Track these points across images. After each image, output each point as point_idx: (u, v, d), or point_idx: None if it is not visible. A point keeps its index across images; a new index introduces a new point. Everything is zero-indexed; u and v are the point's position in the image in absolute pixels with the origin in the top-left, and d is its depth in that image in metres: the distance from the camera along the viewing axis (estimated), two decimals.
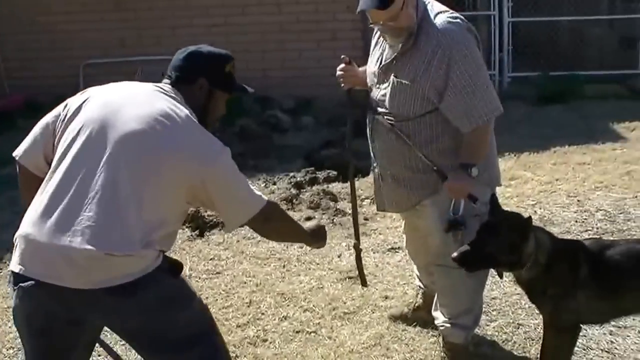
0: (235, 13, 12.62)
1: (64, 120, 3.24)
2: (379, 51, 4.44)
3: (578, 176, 8.19)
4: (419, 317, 5.15)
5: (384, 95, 4.33)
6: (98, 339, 3.52)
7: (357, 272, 5.50)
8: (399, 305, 5.39)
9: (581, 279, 4.02)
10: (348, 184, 8.36)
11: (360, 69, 4.71)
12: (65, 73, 12.43)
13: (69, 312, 3.08)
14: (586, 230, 6.66)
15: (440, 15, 4.11)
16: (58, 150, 3.19)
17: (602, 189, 7.72)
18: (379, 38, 4.48)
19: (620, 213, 7.02)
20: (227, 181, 3.22)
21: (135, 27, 12.62)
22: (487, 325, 5.13)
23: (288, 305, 5.59)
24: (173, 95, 3.31)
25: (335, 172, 8.87)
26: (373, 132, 4.53)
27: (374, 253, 6.53)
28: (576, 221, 6.90)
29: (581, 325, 4.26)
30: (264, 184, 8.59)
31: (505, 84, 13.44)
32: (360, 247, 5.03)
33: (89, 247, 2.94)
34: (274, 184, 8.61)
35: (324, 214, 7.61)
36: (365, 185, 8.47)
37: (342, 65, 4.65)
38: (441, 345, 4.74)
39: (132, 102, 3.22)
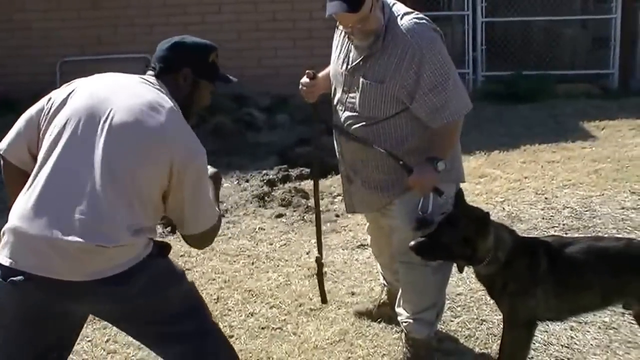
0: (211, 11, 12.64)
1: (48, 113, 3.26)
2: (344, 52, 4.44)
3: (547, 174, 8.28)
4: (383, 313, 5.21)
5: (353, 97, 4.35)
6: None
7: (324, 269, 5.61)
8: (364, 302, 5.45)
9: (540, 276, 4.10)
10: (320, 182, 8.47)
11: (321, 74, 4.75)
12: (42, 71, 12.38)
13: (59, 303, 3.13)
14: (552, 227, 6.75)
15: (406, 17, 4.16)
16: (44, 143, 3.20)
17: (569, 186, 7.81)
18: (343, 39, 4.48)
19: (587, 210, 7.11)
20: (200, 185, 3.29)
21: (111, 25, 12.60)
22: (451, 321, 5.20)
23: (255, 302, 5.64)
24: (158, 87, 3.35)
25: (308, 170, 8.88)
26: (340, 137, 4.58)
27: (343, 250, 6.60)
28: (543, 218, 6.99)
29: (540, 321, 4.35)
30: (237, 182, 8.62)
31: (478, 82, 13.51)
32: (323, 261, 5.14)
33: (80, 239, 2.98)
34: (247, 181, 8.63)
35: (294, 211, 7.67)
36: (338, 182, 8.48)
37: (306, 80, 4.68)
38: (404, 340, 4.77)
39: (119, 94, 3.24)
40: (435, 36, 4.14)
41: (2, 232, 3.15)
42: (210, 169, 3.59)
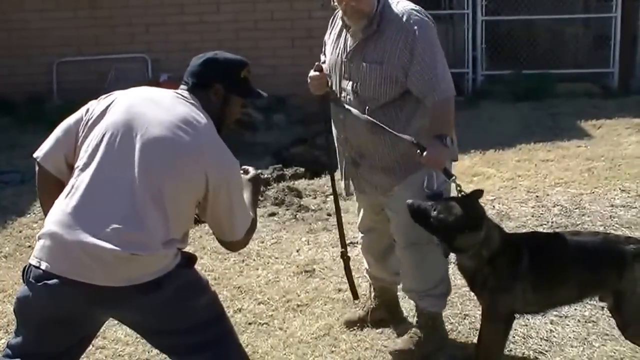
0: (209, 11, 12.66)
1: (87, 124, 3.35)
2: (341, 42, 4.61)
3: (540, 173, 8.32)
4: (377, 317, 5.18)
5: (355, 82, 4.51)
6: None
7: (313, 266, 5.69)
8: (352, 311, 5.39)
9: (520, 273, 4.17)
10: (313, 181, 8.55)
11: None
12: (39, 71, 12.40)
13: (87, 309, 3.21)
14: (541, 225, 6.80)
15: (401, 4, 4.42)
16: (82, 153, 3.29)
17: (561, 185, 7.85)
18: (339, 30, 4.66)
19: (576, 208, 7.17)
20: (235, 195, 3.39)
21: (109, 25, 12.57)
22: None
23: (243, 298, 5.69)
24: (192, 101, 3.43)
25: (302, 169, 8.99)
26: (345, 123, 4.68)
27: (332, 248, 6.61)
28: (532, 216, 7.04)
29: (519, 315, 4.42)
30: None
31: (478, 82, 13.52)
32: (349, 255, 5.26)
33: (116, 247, 3.07)
34: None
35: (287, 209, 7.71)
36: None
37: (315, 73, 4.77)
38: (417, 317, 4.86)
39: (155, 108, 3.34)
40: (427, 21, 4.39)
41: (37, 237, 3.24)
42: (252, 171, 3.74)
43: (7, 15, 12.68)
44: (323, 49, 4.94)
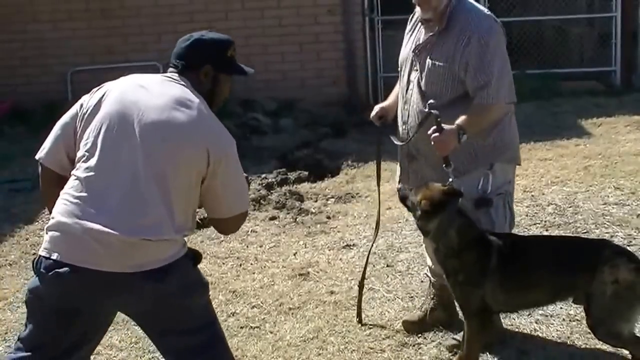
0: (218, 18, 12.79)
1: (83, 118, 3.43)
2: (414, 36, 4.87)
3: (537, 172, 8.41)
4: (437, 318, 5.17)
5: (421, 76, 4.75)
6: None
7: (308, 269, 5.96)
8: (412, 312, 5.38)
9: (489, 271, 4.32)
10: (316, 184, 8.67)
11: (388, 100, 5.23)
12: (53, 80, 12.65)
13: (98, 296, 3.30)
14: (534, 224, 6.90)
15: (474, 8, 4.66)
16: (82, 146, 3.38)
17: (558, 183, 7.93)
18: (413, 26, 4.93)
19: (570, 207, 7.25)
20: (236, 170, 3.48)
21: (121, 34, 12.82)
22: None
23: (238, 302, 5.82)
24: (182, 83, 3.50)
25: (306, 173, 9.13)
26: (405, 114, 4.89)
27: (328, 250, 6.77)
28: (527, 215, 7.12)
29: (495, 312, 4.57)
30: None
31: None
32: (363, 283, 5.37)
33: (125, 233, 3.19)
34: None
35: (288, 213, 7.84)
36: (333, 184, 8.75)
37: (376, 116, 5.13)
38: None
39: (147, 93, 3.42)
40: (493, 26, 4.59)
41: (45, 229, 3.34)
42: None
43: (22, 26, 12.93)
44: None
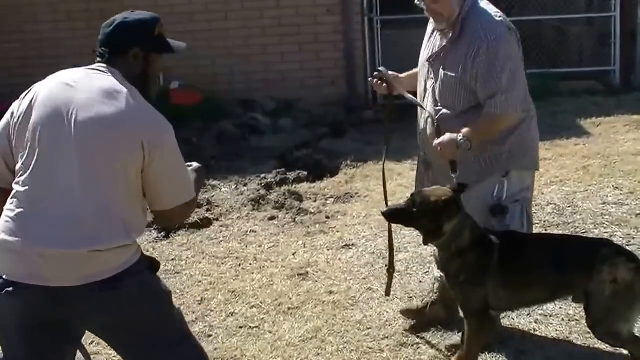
0: (218, 18, 12.79)
1: (16, 126, 3.26)
2: (431, 43, 4.86)
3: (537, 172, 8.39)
4: (435, 314, 5.20)
5: (435, 85, 4.76)
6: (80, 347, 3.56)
7: (307, 269, 6.03)
8: (412, 301, 5.44)
9: (491, 270, 4.31)
10: (315, 184, 8.69)
11: (403, 75, 5.16)
12: None
13: (55, 312, 3.17)
14: (534, 224, 6.76)
15: (486, 13, 4.57)
16: (19, 158, 3.24)
17: (557, 183, 7.93)
18: (432, 31, 4.90)
19: (569, 206, 7.26)
20: (174, 158, 3.31)
21: None
22: None
23: (237, 302, 5.83)
24: (109, 73, 3.32)
25: (305, 173, 9.13)
26: (425, 123, 4.88)
27: (327, 250, 6.77)
28: None
29: (495, 310, 4.56)
30: (235, 186, 8.77)
31: None
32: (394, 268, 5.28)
33: (68, 246, 3.06)
34: (245, 185, 8.76)
35: (287, 213, 7.84)
36: (332, 184, 8.75)
37: (374, 81, 5.11)
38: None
39: (74, 92, 3.24)
40: (503, 33, 4.51)
41: None
42: (195, 164, 3.68)
43: (21, 27, 12.92)
44: None
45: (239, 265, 6.60)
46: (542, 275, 4.37)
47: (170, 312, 3.41)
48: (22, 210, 3.15)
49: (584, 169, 8.33)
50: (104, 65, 3.38)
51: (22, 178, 3.20)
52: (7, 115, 3.36)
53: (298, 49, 12.90)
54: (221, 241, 7.11)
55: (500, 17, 4.58)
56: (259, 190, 8.47)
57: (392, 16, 12.68)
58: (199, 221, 7.50)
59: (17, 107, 3.34)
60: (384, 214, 4.48)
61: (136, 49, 3.39)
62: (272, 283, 6.15)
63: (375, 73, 5.11)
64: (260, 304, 5.77)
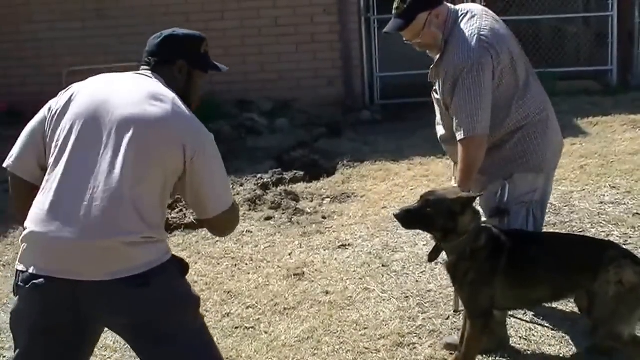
0: (214, 18, 12.81)
1: (52, 122, 3.26)
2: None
3: None
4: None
5: (435, 105, 4.87)
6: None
7: (303, 269, 5.97)
8: (452, 336, 5.12)
9: (499, 269, 4.29)
10: (312, 184, 8.66)
11: None
12: (49, 81, 12.51)
13: (75, 311, 3.12)
14: None
15: (464, 36, 4.47)
16: (52, 149, 3.22)
17: (554, 182, 7.89)
18: None
19: (566, 206, 7.25)
20: (215, 166, 3.32)
21: (116, 34, 12.78)
22: (418, 317, 5.35)
23: (233, 303, 5.81)
24: (156, 79, 3.38)
25: (301, 173, 9.13)
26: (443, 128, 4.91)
27: (324, 250, 6.75)
28: None
29: (499, 310, 4.57)
30: (232, 186, 8.74)
31: None
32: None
33: (103, 237, 3.05)
34: (241, 185, 8.73)
35: (283, 213, 7.83)
36: (328, 184, 8.73)
37: None
38: None
39: (118, 91, 3.28)
40: (475, 57, 4.39)
41: (20, 241, 3.20)
42: None
43: (17, 26, 12.96)
44: None
45: (235, 265, 6.57)
46: (549, 274, 4.33)
47: (194, 318, 3.35)
48: (52, 201, 3.14)
49: (581, 168, 8.32)
50: (150, 72, 3.44)
51: (55, 170, 3.19)
52: (44, 110, 3.37)
53: (295, 49, 12.93)
54: (217, 241, 7.07)
55: (476, 35, 4.45)
56: (255, 191, 8.45)
57: (389, 15, 12.61)
58: (194, 221, 7.47)
59: (55, 102, 3.36)
60: (396, 216, 4.38)
61: (182, 61, 3.47)
62: (268, 283, 6.13)
63: None
64: (256, 304, 5.74)
